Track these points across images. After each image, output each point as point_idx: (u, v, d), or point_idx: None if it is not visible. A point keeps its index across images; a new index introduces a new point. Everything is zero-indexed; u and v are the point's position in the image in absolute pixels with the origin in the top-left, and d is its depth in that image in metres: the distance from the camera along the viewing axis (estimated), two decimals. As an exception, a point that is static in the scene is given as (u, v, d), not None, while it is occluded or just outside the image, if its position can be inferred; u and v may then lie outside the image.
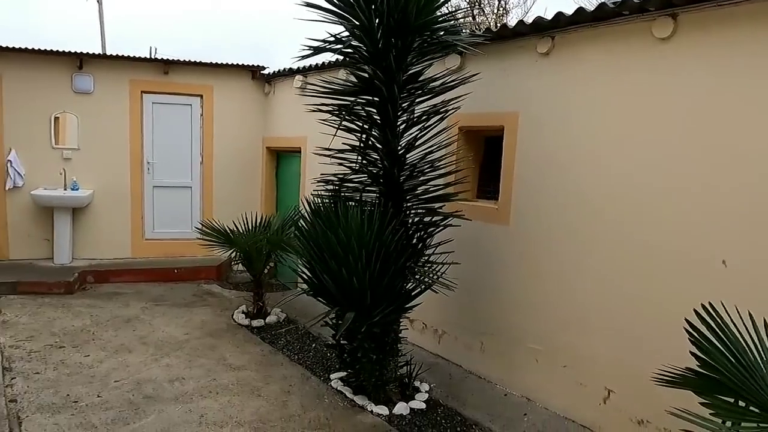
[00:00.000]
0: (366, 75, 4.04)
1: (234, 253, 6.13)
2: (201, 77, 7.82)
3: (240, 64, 7.80)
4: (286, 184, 8.10)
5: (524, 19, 4.21)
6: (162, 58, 7.42)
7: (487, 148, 5.01)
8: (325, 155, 4.38)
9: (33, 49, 6.99)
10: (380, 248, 3.61)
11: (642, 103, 3.55)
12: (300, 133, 7.20)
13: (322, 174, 4.48)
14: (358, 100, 4.06)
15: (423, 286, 3.96)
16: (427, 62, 4.11)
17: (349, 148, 4.31)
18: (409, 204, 4.19)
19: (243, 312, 6.30)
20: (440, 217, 4.16)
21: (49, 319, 5.76)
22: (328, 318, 4.04)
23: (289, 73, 7.39)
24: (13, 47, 6.92)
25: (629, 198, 3.63)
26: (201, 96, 7.90)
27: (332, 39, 3.93)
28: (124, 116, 7.59)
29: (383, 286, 3.69)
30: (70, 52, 7.16)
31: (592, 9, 3.71)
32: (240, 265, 6.76)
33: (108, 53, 7.27)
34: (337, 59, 6.31)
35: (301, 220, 4.39)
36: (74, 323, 5.68)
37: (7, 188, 7.22)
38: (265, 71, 7.91)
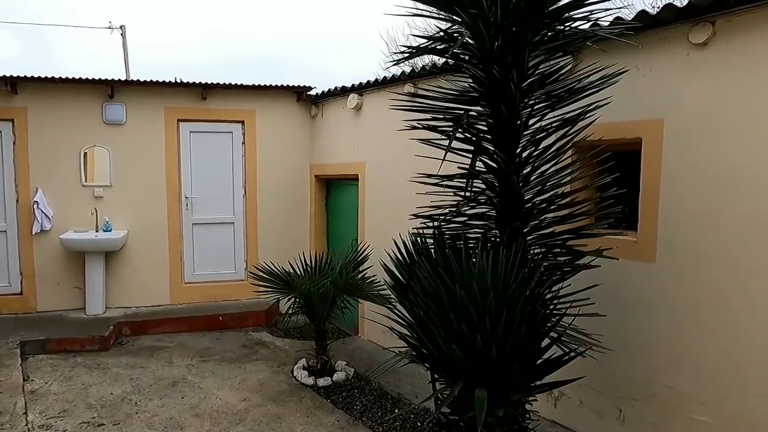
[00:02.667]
0: (477, 79, 3.19)
1: (293, 299, 5.27)
2: (242, 101, 7.09)
3: (284, 85, 7.05)
4: (339, 215, 7.26)
5: (672, 2, 3.34)
6: (199, 83, 6.71)
7: (612, 167, 4.11)
8: (428, 182, 3.52)
9: (60, 77, 6.32)
10: (525, 305, 2.71)
11: None
12: (357, 158, 6.39)
13: (418, 207, 3.61)
14: (470, 111, 3.21)
15: (572, 352, 3.03)
16: (557, 60, 3.24)
17: (456, 172, 3.45)
18: (531, 240, 3.30)
19: (304, 367, 5.41)
20: (570, 257, 3.25)
21: (84, 386, 4.93)
22: (438, 386, 3.14)
23: (341, 92, 6.60)
24: (38, 77, 6.26)
25: None
26: (242, 122, 7.16)
27: (439, 35, 3.10)
28: (159, 148, 6.87)
29: (532, 353, 2.78)
30: (100, 79, 6.48)
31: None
32: (290, 309, 5.92)
33: (141, 79, 6.58)
34: (402, 72, 5.52)
35: (393, 266, 3.52)
36: (113, 390, 4.85)
37: (34, 232, 6.49)
38: (312, 92, 7.14)
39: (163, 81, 6.65)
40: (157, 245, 6.95)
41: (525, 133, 3.27)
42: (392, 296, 5.06)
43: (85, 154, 6.66)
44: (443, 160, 3.10)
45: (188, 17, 24.88)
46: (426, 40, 3.13)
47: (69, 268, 6.67)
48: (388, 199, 5.85)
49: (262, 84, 6.98)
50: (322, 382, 5.08)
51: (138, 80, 6.56)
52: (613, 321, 3.65)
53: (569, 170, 3.27)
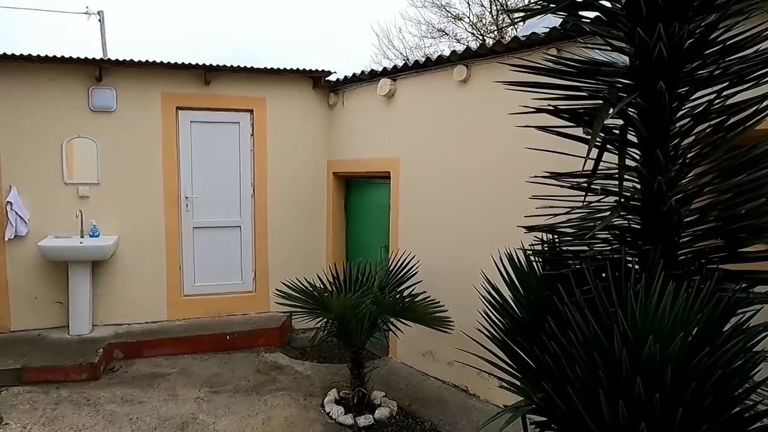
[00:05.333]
0: (631, 41, 2.38)
1: (326, 321, 4.41)
2: (251, 87, 6.17)
3: (299, 69, 6.15)
4: (362, 219, 6.40)
5: None
6: (203, 64, 5.77)
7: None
8: (561, 185, 2.68)
9: (38, 56, 5.33)
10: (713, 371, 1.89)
11: None
12: (389, 153, 5.54)
13: (528, 216, 2.77)
14: (617, 86, 2.38)
15: None
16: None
17: (573, 170, 2.63)
18: (691, 263, 2.49)
19: (336, 400, 4.56)
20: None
21: (73, 431, 4.01)
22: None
23: (369, 77, 5.74)
24: (12, 54, 5.26)
25: None
26: (251, 111, 6.24)
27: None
28: (155, 140, 5.92)
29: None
30: (86, 58, 5.50)
31: None
32: (320, 333, 5.06)
33: (134, 59, 5.62)
34: (453, 52, 4.68)
35: (497, 294, 2.69)
36: (109, 437, 3.94)
37: (7, 238, 5.50)
38: (331, 77, 6.26)
39: (161, 62, 5.70)
40: (153, 253, 6.00)
41: (677, 117, 2.46)
42: (450, 320, 4.25)
43: (68, 146, 5.68)
44: (587, 158, 2.26)
45: (172, 14, 23.57)
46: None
47: (49, 280, 5.70)
48: (432, 200, 5.02)
49: (274, 67, 6.08)
50: (363, 421, 4.23)
51: (131, 60, 5.60)
52: None
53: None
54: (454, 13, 17.66)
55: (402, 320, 4.36)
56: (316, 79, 6.33)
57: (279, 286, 6.24)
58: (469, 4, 17.45)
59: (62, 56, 5.41)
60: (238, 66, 5.94)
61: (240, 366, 5.41)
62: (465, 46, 4.91)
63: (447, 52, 4.78)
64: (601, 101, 2.46)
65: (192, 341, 5.71)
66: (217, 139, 6.17)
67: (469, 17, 17.64)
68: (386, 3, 24.15)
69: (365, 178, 6.20)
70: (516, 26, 16.29)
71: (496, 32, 16.89)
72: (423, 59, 5.02)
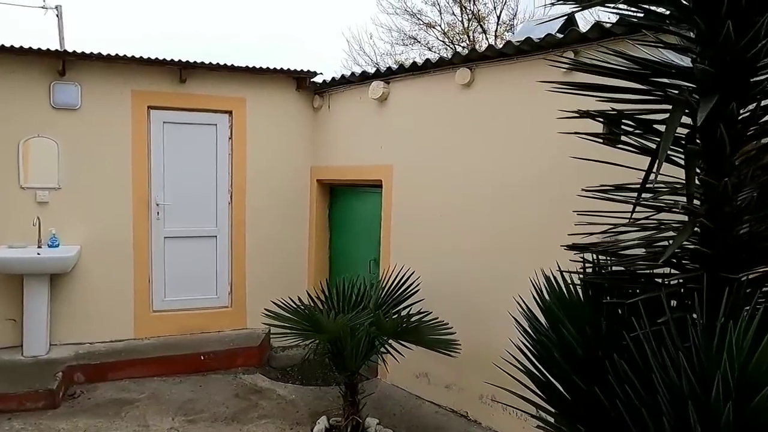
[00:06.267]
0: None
1: (319, 344, 4.01)
2: (230, 87, 5.74)
3: (282, 68, 5.74)
4: (347, 230, 6.02)
5: None
6: (178, 60, 5.32)
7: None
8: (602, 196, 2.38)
9: (-7, 45, 4.79)
10: None
11: None
12: (381, 160, 5.19)
13: (573, 235, 2.47)
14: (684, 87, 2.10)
15: None
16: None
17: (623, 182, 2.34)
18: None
19: (327, 429, 4.16)
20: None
21: (28, 473, 3.50)
22: None
23: (359, 79, 5.39)
24: (-37, 43, 4.71)
25: None
26: (230, 113, 5.80)
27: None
28: (124, 141, 5.41)
29: None
30: (48, 50, 4.98)
31: None
32: (309, 355, 4.66)
33: (101, 52, 5.12)
34: (456, 53, 4.38)
35: (532, 321, 2.38)
36: (72, 479, 3.44)
37: (-48, 248, 4.91)
38: (317, 78, 5.88)
39: (132, 56, 5.22)
40: (119, 264, 5.48)
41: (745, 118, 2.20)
42: (458, 343, 3.92)
43: (26, 146, 5.12)
44: (653, 172, 1.97)
45: (135, 14, 22.60)
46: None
47: (0, 294, 5.12)
48: (430, 210, 4.70)
49: (256, 66, 5.66)
50: (360, 453, 3.85)
51: (99, 54, 5.10)
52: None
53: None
54: (426, 21, 17.54)
55: (401, 342, 4.00)
56: (301, 80, 5.94)
57: (257, 301, 5.88)
58: (440, 13, 17.34)
59: (21, 46, 4.87)
60: (217, 63, 5.50)
61: (217, 390, 4.95)
62: (469, 48, 4.61)
63: (420, 60, 4.49)
64: (659, 104, 2.19)
65: (162, 362, 5.21)
66: (192, 141, 5.70)
67: (440, 25, 17.53)
68: (356, 9, 23.91)
69: (352, 187, 5.84)
70: (494, 36, 16.27)
71: (467, 41, 16.84)
72: (422, 61, 4.71)
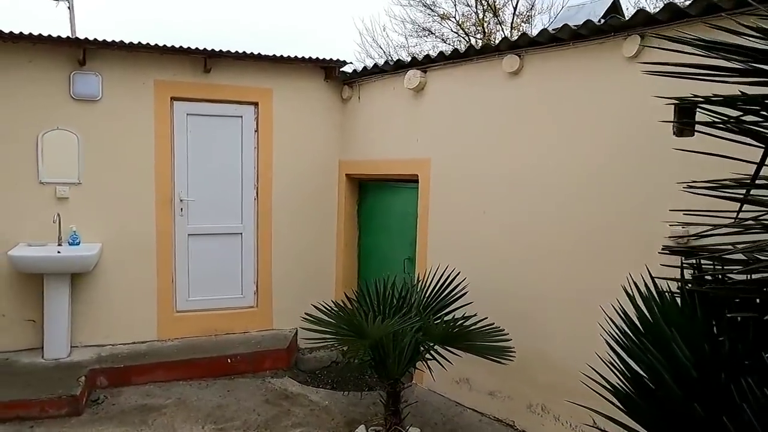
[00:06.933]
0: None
1: (360, 350, 3.76)
2: (256, 77, 5.47)
3: (310, 57, 5.47)
4: (378, 227, 5.75)
5: None
6: (203, 49, 5.06)
7: None
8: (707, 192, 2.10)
9: (11, 33, 4.54)
10: None
11: None
12: (417, 153, 4.92)
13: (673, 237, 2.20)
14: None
15: None
16: None
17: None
18: None
19: (367, 439, 3.92)
20: None
21: (54, 488, 3.28)
22: None
23: (393, 68, 5.11)
24: (-21, 30, 4.46)
25: None
26: (256, 104, 5.54)
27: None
28: (146, 134, 5.17)
29: None
30: (68, 38, 4.74)
31: None
32: (350, 360, 4.43)
33: (123, 41, 4.87)
34: (505, 38, 4.09)
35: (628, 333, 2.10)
36: (101, 496, 3.21)
37: (-31, 246, 4.69)
38: (346, 68, 5.61)
39: (155, 45, 4.96)
40: (141, 263, 5.24)
41: None
42: (512, 349, 3.65)
43: (45, 139, 4.89)
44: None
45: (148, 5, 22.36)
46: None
47: (19, 294, 4.90)
48: (473, 207, 4.43)
49: (284, 55, 5.39)
50: (405, 467, 3.60)
51: (121, 42, 4.84)
52: None
53: None
54: (440, 13, 17.21)
55: (448, 348, 3.74)
56: (329, 70, 5.66)
57: (284, 301, 5.68)
58: (455, 4, 17.00)
59: (39, 34, 4.63)
60: (243, 52, 5.23)
61: (246, 395, 4.72)
62: (519, 34, 4.33)
63: (434, 53, 4.19)
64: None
65: (188, 365, 4.98)
66: (216, 134, 5.45)
67: (455, 17, 17.20)
68: (369, 1, 23.54)
69: (384, 181, 5.57)
70: (510, 28, 15.92)
71: (482, 32, 16.48)
72: (464, 48, 4.42)
